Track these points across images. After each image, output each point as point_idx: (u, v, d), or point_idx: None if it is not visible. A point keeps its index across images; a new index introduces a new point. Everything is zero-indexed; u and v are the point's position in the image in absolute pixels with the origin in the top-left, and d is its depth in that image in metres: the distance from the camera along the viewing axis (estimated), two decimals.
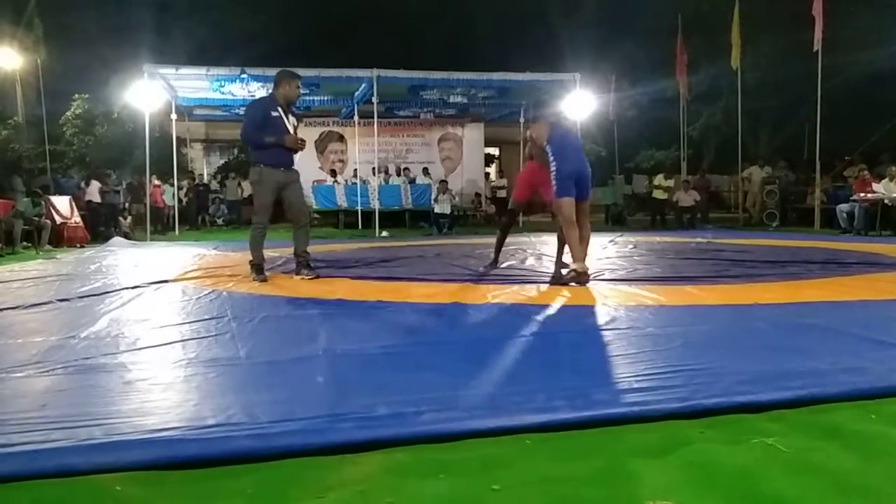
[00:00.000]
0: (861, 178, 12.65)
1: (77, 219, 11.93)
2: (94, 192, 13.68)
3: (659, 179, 16.77)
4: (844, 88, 17.16)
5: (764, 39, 18.17)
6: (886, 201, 11.59)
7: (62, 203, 11.75)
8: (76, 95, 17.21)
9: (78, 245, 11.22)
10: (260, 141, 5.46)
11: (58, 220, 11.31)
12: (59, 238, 11.19)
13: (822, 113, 13.27)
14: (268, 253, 8.44)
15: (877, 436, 1.91)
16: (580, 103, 15.24)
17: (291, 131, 5.62)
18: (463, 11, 29.23)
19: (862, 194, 11.93)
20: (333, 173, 17.84)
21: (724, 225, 15.67)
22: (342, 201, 16.57)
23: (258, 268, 5.64)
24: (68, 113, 17.11)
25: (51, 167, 15.85)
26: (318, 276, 5.67)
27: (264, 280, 5.53)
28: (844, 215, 12.08)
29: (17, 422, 1.99)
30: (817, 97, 13.28)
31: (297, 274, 5.69)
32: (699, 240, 10.00)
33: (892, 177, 11.75)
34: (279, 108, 5.58)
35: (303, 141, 5.70)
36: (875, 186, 11.97)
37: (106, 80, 17.18)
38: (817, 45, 13.17)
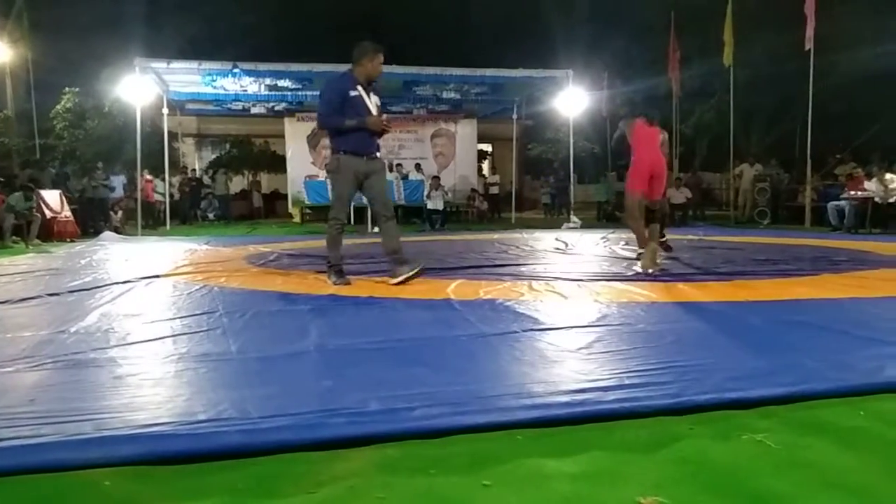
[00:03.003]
0: (854, 175, 12.71)
1: (67, 213, 11.86)
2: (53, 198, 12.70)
3: None
4: (836, 87, 17.23)
5: (756, 37, 18.21)
6: (877, 199, 11.66)
7: (52, 197, 11.67)
8: (66, 89, 17.11)
9: (68, 239, 11.16)
10: (339, 125, 4.85)
11: (48, 214, 11.24)
12: (49, 232, 11.12)
13: (813, 111, 13.33)
14: (258, 248, 8.45)
15: (865, 432, 1.92)
16: (573, 100, 15.25)
17: (374, 112, 4.98)
18: (456, 7, 29.22)
19: (852, 192, 12.00)
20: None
21: (716, 222, 15.72)
22: None
23: (338, 270, 5.04)
24: (58, 107, 17.02)
25: (29, 161, 15.75)
26: (418, 273, 4.95)
27: (347, 283, 4.93)
28: (835, 213, 12.15)
29: (5, 417, 1.97)
30: (809, 96, 13.34)
31: (395, 276, 4.93)
32: (691, 237, 10.04)
33: (880, 178, 11.81)
34: (359, 87, 4.91)
35: (388, 122, 5.06)
36: (866, 184, 12.03)
37: (97, 73, 17.10)
38: (809, 44, 13.22)
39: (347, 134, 4.86)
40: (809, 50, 13.22)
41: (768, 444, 1.81)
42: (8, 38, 16.93)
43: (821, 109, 13.64)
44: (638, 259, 5.53)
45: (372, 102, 4.98)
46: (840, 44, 16.40)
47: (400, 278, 4.86)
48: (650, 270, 5.47)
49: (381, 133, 5.01)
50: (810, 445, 1.82)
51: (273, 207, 21.39)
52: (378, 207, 5.20)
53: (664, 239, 6.87)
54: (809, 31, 13.18)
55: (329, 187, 5.01)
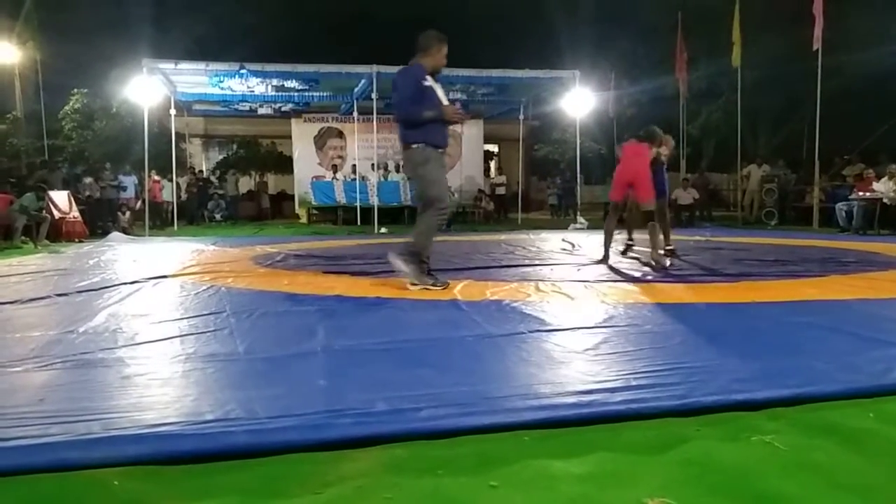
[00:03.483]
0: (864, 176, 12.65)
1: (76, 213, 11.92)
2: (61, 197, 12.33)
3: None
4: (843, 88, 17.16)
5: (764, 38, 18.15)
6: (885, 200, 11.59)
7: (61, 198, 11.73)
8: (75, 90, 17.20)
9: (76, 240, 11.21)
10: (419, 117, 4.61)
11: (56, 214, 11.29)
12: (58, 233, 11.18)
13: (821, 112, 13.27)
14: (265, 249, 8.48)
15: (874, 434, 1.91)
16: (579, 101, 15.23)
17: (446, 103, 4.81)
18: (463, 8, 29.20)
19: (861, 193, 11.94)
20: (335, 169, 17.82)
21: (723, 223, 15.67)
22: (341, 198, 16.58)
23: (429, 270, 4.77)
24: (67, 108, 17.11)
25: (40, 163, 15.84)
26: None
27: (446, 285, 4.66)
28: (843, 214, 12.09)
29: (14, 416, 1.98)
30: (817, 96, 13.28)
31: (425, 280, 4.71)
32: (698, 238, 10.01)
33: (892, 175, 11.74)
34: (429, 78, 4.75)
35: (462, 113, 4.89)
36: (875, 185, 11.97)
37: (105, 74, 17.18)
38: (817, 45, 13.16)
39: (426, 126, 4.66)
40: (817, 50, 13.16)
41: (776, 446, 1.81)
42: (17, 40, 17.01)
43: (828, 110, 13.57)
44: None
45: (440, 93, 4.82)
46: (848, 44, 16.33)
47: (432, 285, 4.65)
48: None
49: (452, 124, 4.90)
50: (819, 447, 1.81)
51: (280, 208, 21.44)
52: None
53: (671, 247, 7.27)
54: (817, 31, 13.12)
55: (421, 180, 4.71)
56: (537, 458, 1.75)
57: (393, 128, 19.88)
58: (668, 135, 7.35)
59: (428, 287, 4.58)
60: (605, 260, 6.64)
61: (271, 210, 21.11)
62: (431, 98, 4.69)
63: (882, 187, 11.76)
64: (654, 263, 6.14)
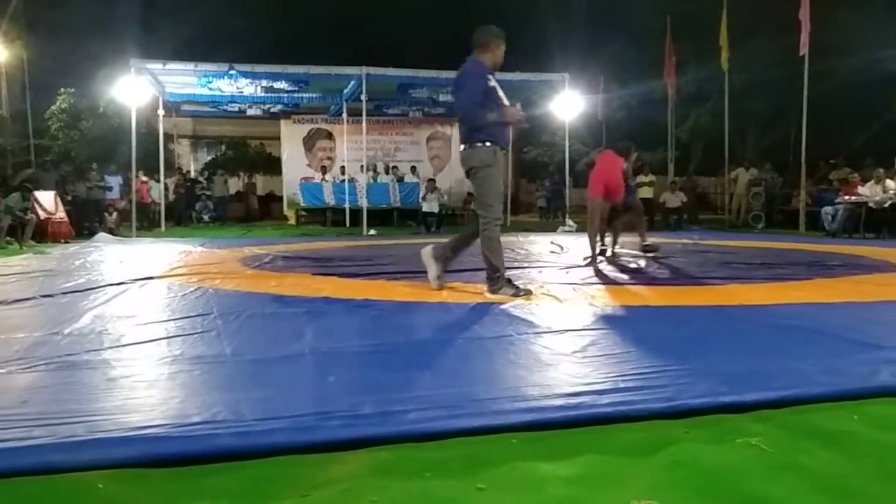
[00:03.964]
0: (849, 180, 12.77)
1: (62, 214, 11.83)
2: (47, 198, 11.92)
3: (639, 177, 16.77)
4: (830, 92, 17.31)
5: (751, 42, 18.28)
6: (871, 204, 11.70)
7: (47, 198, 11.64)
8: (62, 90, 17.06)
9: (62, 240, 11.12)
10: (484, 120, 4.41)
11: (42, 215, 11.20)
12: (44, 233, 11.09)
13: (807, 116, 13.39)
14: (253, 250, 8.44)
15: (859, 436, 1.92)
16: (569, 104, 15.28)
17: (507, 103, 4.63)
18: (452, 10, 29.21)
19: (847, 197, 12.04)
20: (324, 170, 17.79)
21: (711, 226, 15.76)
22: (330, 199, 16.54)
23: (509, 279, 4.56)
24: (53, 107, 16.98)
25: (35, 162, 15.73)
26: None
27: (529, 293, 4.45)
28: (829, 217, 12.19)
29: None
30: (803, 101, 13.39)
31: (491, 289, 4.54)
32: (686, 241, 10.06)
33: (878, 179, 11.86)
34: (491, 77, 4.54)
35: (523, 115, 4.71)
36: (860, 189, 12.08)
37: (92, 74, 17.06)
38: (803, 50, 13.29)
39: (492, 125, 4.48)
40: (804, 55, 13.29)
41: (762, 448, 1.82)
42: (4, 39, 16.88)
43: (815, 114, 13.70)
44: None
45: (501, 92, 4.61)
46: (834, 50, 16.47)
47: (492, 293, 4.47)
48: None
49: (516, 124, 4.73)
50: (805, 449, 1.82)
51: (268, 210, 21.37)
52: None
53: (647, 244, 7.71)
54: (804, 37, 13.25)
55: (480, 182, 4.49)
56: (525, 460, 1.75)
57: (382, 130, 19.91)
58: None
59: (512, 295, 4.36)
60: (594, 259, 6.86)
61: (260, 211, 21.03)
62: (494, 99, 4.50)
63: (867, 191, 11.87)
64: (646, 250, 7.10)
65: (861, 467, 1.73)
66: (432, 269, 4.66)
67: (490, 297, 4.36)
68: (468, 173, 4.57)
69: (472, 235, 4.69)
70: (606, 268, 6.39)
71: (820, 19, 13.76)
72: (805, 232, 13.26)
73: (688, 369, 2.51)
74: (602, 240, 7.48)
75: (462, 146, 4.60)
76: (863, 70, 17.06)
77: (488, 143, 4.44)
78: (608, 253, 7.39)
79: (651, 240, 7.74)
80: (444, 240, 4.80)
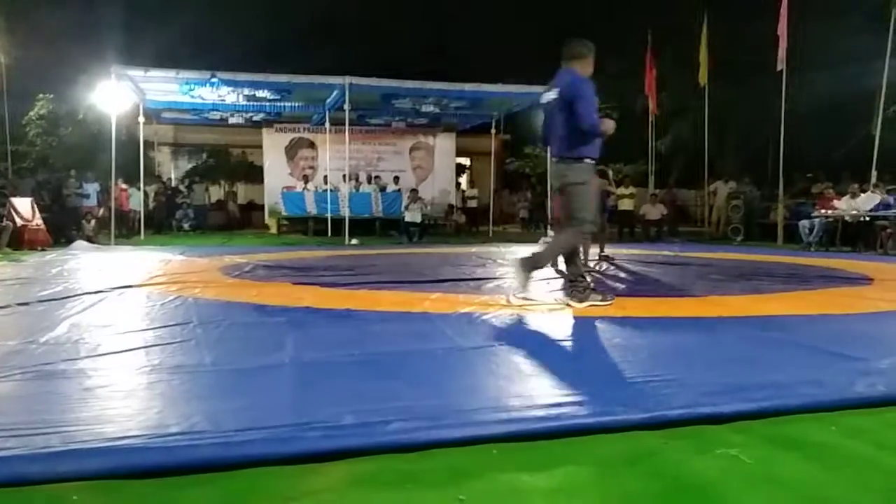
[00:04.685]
0: (825, 194, 12.97)
1: (39, 221, 11.66)
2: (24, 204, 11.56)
3: (620, 189, 16.88)
4: (807, 107, 17.58)
5: (731, 57, 18.55)
6: (847, 217, 11.88)
7: (24, 205, 11.47)
8: (40, 95, 16.88)
9: (39, 248, 10.96)
10: (599, 130, 4.38)
11: (18, 222, 11.04)
12: (20, 240, 10.92)
13: (785, 130, 13.60)
14: (234, 259, 8.38)
15: (836, 447, 1.95)
16: None
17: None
18: (436, 22, 29.40)
19: (823, 210, 12.22)
20: (306, 179, 17.74)
21: (691, 238, 15.90)
22: (312, 208, 16.48)
23: (589, 285, 4.56)
24: (31, 113, 16.78)
25: (12, 168, 15.52)
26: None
27: (612, 300, 4.51)
28: (806, 231, 12.36)
29: None
30: (781, 115, 13.60)
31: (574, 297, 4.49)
32: (666, 253, 10.14)
33: (854, 194, 12.05)
34: None
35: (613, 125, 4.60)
36: (835, 203, 12.26)
37: (72, 80, 16.89)
38: (781, 65, 13.52)
39: (594, 140, 4.45)
40: (781, 70, 13.51)
41: (742, 459, 1.83)
42: None
43: (792, 128, 13.93)
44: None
45: None
46: (812, 64, 16.75)
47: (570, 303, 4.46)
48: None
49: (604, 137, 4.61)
50: (783, 460, 1.84)
51: (249, 218, 21.24)
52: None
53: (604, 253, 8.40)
54: (781, 53, 13.49)
55: (576, 198, 4.45)
56: (505, 471, 1.75)
57: (365, 139, 19.87)
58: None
59: (596, 303, 4.38)
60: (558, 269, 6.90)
61: (240, 220, 20.90)
62: (596, 111, 4.46)
63: (843, 205, 12.06)
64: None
65: (839, 478, 1.75)
66: (522, 281, 4.52)
67: (577, 306, 4.34)
68: (561, 188, 4.53)
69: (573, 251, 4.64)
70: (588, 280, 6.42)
71: (798, 34, 14.00)
72: (783, 244, 13.42)
73: (668, 380, 2.52)
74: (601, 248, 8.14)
75: (555, 159, 4.58)
76: (840, 84, 17.35)
77: (588, 160, 4.45)
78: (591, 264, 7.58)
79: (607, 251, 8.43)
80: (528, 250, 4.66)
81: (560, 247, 4.58)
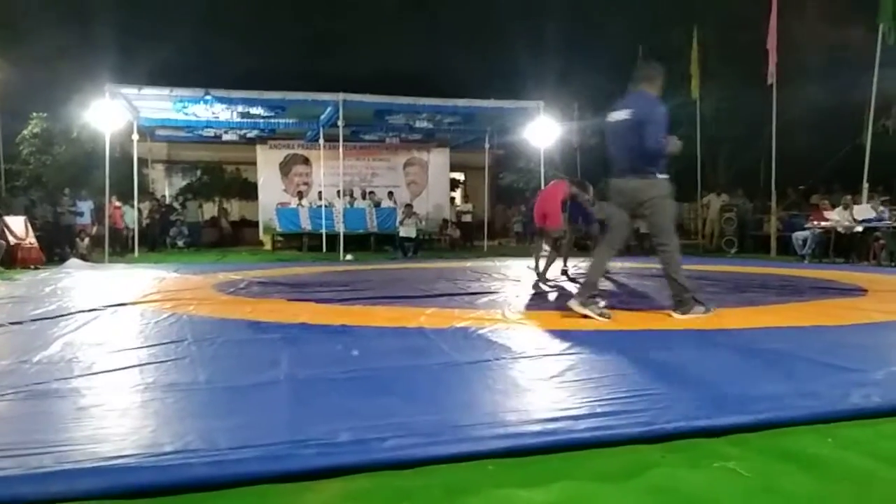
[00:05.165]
0: (821, 206, 13.03)
1: (32, 239, 11.62)
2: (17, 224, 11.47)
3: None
4: (798, 120, 17.71)
5: (721, 71, 18.70)
6: (840, 229, 11.93)
7: (17, 223, 11.43)
8: (33, 114, 16.88)
9: (32, 266, 10.92)
10: (666, 148, 4.55)
11: (12, 240, 11.00)
12: (13, 259, 10.88)
13: (777, 143, 13.69)
14: (228, 276, 8.37)
15: (833, 459, 1.94)
16: (544, 130, 15.44)
17: None
18: (429, 38, 29.58)
19: (816, 222, 12.28)
20: (300, 195, 17.75)
21: (685, 251, 15.90)
22: (306, 224, 16.47)
23: (694, 297, 4.72)
24: (25, 131, 16.77)
25: (5, 187, 15.49)
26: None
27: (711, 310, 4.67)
28: (800, 243, 12.40)
29: None
30: (772, 128, 13.70)
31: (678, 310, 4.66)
32: (659, 266, 10.13)
33: (846, 206, 12.11)
34: None
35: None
36: (828, 214, 12.32)
37: (65, 98, 16.88)
38: (771, 79, 13.64)
39: (664, 158, 4.63)
40: (772, 84, 13.63)
41: (739, 472, 1.83)
42: None
43: (784, 141, 14.02)
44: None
45: None
46: (802, 78, 16.90)
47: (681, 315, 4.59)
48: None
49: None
50: (780, 472, 1.84)
51: (243, 235, 21.19)
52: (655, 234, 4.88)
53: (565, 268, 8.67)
54: (772, 66, 13.61)
55: (660, 211, 4.63)
56: (502, 487, 1.74)
57: (359, 155, 19.93)
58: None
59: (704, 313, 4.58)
60: (540, 278, 7.68)
61: (234, 237, 20.85)
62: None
63: (836, 216, 12.12)
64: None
65: (836, 490, 1.74)
66: (591, 311, 4.55)
67: (679, 318, 4.53)
68: (642, 204, 4.62)
69: (602, 262, 4.88)
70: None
71: (788, 47, 14.13)
72: (776, 257, 13.47)
73: (664, 393, 2.52)
74: (564, 261, 8.58)
75: (629, 178, 4.67)
76: (830, 95, 17.50)
77: (666, 175, 4.61)
78: (569, 272, 8.35)
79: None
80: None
81: (676, 263, 4.71)
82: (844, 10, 16.64)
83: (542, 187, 16.30)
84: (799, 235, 12.53)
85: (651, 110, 4.59)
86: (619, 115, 4.78)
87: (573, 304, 4.59)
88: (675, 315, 4.58)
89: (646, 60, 4.91)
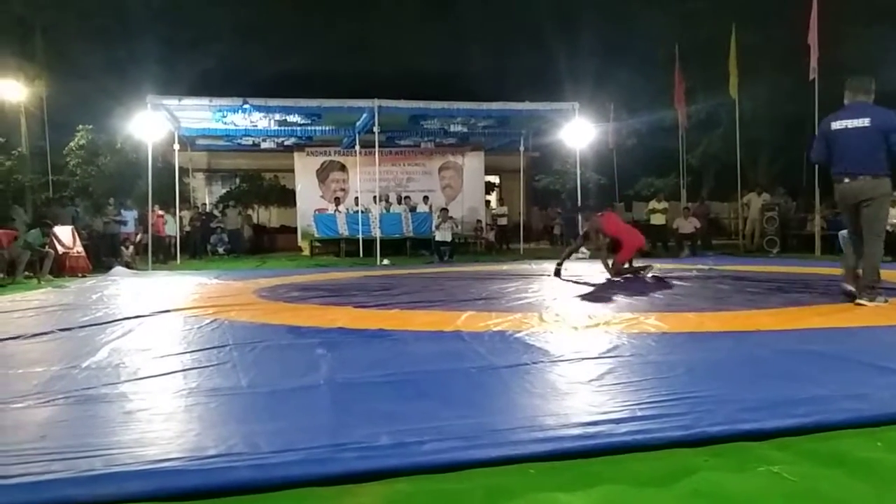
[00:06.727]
0: None
1: (79, 248, 11.95)
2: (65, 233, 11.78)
3: (652, 204, 16.74)
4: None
5: (761, 68, 18.35)
6: (887, 227, 11.58)
7: (65, 233, 11.77)
8: (80, 126, 17.37)
9: (80, 274, 11.23)
10: None
11: (60, 249, 11.33)
12: (61, 267, 11.20)
13: None
14: (268, 282, 8.49)
15: (882, 463, 1.89)
16: (579, 132, 15.33)
17: None
18: (463, 43, 29.65)
19: None
20: (337, 201, 17.93)
21: (725, 252, 15.67)
22: (343, 230, 16.62)
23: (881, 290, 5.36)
24: (72, 143, 17.27)
25: (53, 197, 15.97)
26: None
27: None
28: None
29: (16, 453, 1.97)
30: (814, 125, 13.38)
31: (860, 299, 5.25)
32: (700, 266, 10.00)
33: (894, 202, 11.75)
34: None
35: None
36: None
37: (109, 111, 17.35)
38: (813, 74, 13.33)
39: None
40: (814, 80, 13.32)
41: (784, 476, 1.79)
42: (24, 78, 17.28)
43: None
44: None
45: None
46: (845, 71, 16.50)
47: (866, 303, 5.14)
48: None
49: None
50: (827, 477, 1.79)
51: (282, 241, 21.42)
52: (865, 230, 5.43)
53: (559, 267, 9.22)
54: (813, 62, 13.30)
55: (880, 208, 5.34)
56: (543, 490, 1.73)
57: (394, 161, 20.14)
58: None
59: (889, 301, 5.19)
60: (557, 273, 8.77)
61: (273, 243, 21.08)
62: None
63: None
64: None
65: (885, 494, 1.70)
66: (865, 298, 5.18)
67: (867, 304, 5.11)
68: (870, 199, 5.24)
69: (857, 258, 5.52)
70: (618, 295, 6.36)
71: (830, 42, 13.79)
72: (821, 256, 13.15)
73: (706, 396, 2.48)
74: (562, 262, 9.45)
75: (860, 177, 5.25)
76: (876, 90, 17.07)
77: (884, 177, 5.21)
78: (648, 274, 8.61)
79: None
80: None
81: (880, 253, 5.42)
82: (887, 2, 16.21)
83: (578, 189, 16.39)
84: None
85: (893, 120, 5.23)
86: (853, 122, 5.33)
87: (863, 300, 5.15)
88: (863, 301, 5.14)
89: (857, 75, 5.62)
